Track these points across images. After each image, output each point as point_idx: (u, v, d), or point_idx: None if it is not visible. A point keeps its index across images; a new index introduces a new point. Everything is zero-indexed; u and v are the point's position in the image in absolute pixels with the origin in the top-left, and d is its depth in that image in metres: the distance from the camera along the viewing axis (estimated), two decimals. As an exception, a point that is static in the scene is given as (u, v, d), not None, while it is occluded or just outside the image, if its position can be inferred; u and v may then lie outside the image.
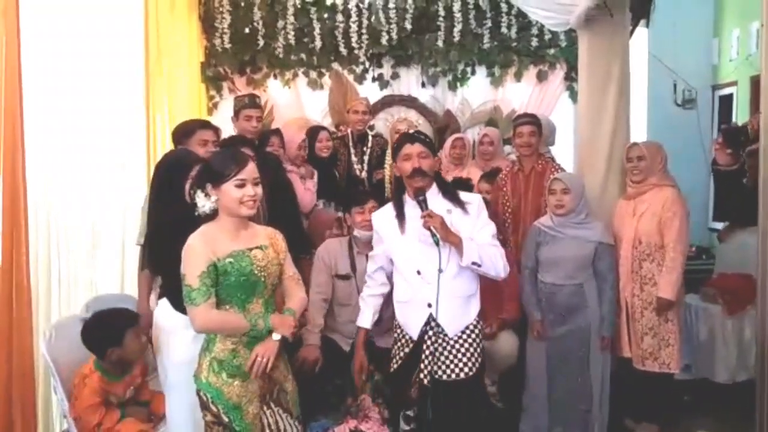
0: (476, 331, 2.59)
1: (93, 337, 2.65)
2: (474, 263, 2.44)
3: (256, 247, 2.20)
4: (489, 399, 3.25)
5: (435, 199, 2.54)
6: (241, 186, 2.12)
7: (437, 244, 2.41)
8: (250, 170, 2.14)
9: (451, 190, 2.61)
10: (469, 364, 2.51)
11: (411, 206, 2.55)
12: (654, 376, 3.26)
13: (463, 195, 2.61)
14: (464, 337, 2.54)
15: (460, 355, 2.51)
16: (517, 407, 3.26)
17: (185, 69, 4.56)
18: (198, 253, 2.09)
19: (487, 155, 4.37)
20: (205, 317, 2.09)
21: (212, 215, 2.17)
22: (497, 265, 2.50)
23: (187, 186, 2.30)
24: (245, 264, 2.14)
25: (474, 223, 2.54)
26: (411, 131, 2.86)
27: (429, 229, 2.41)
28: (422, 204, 2.47)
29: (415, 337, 2.56)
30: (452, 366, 2.51)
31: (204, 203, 2.14)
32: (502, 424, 3.20)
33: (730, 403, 3.60)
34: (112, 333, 2.63)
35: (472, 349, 2.54)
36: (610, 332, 3.14)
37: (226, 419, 2.13)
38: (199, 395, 2.17)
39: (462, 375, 2.50)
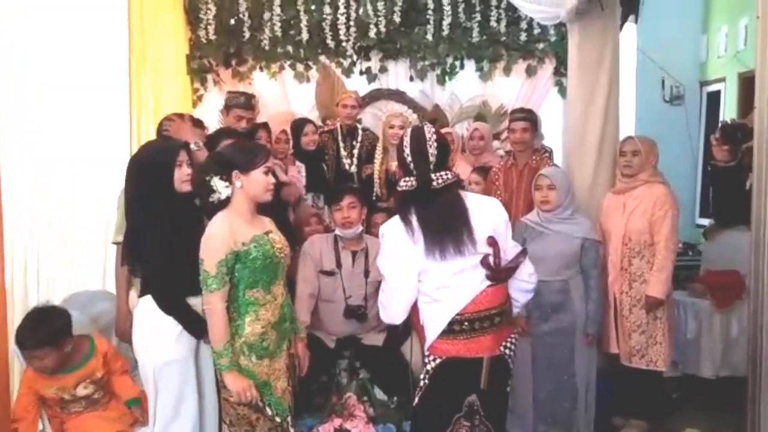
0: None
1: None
2: None
3: (270, 231, 2.34)
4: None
5: None
6: (267, 173, 2.27)
7: None
8: (271, 159, 2.34)
9: None
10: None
11: None
12: (642, 373, 3.25)
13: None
14: None
15: None
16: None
17: (170, 62, 4.49)
18: (220, 241, 2.17)
19: (476, 150, 4.33)
20: (214, 307, 2.18)
21: (225, 203, 2.25)
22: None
23: (175, 173, 2.33)
24: (267, 247, 2.26)
25: None
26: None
27: None
28: None
29: None
30: None
31: (221, 190, 2.22)
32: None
33: (716, 400, 3.61)
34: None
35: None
36: (595, 330, 3.12)
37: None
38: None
39: None
